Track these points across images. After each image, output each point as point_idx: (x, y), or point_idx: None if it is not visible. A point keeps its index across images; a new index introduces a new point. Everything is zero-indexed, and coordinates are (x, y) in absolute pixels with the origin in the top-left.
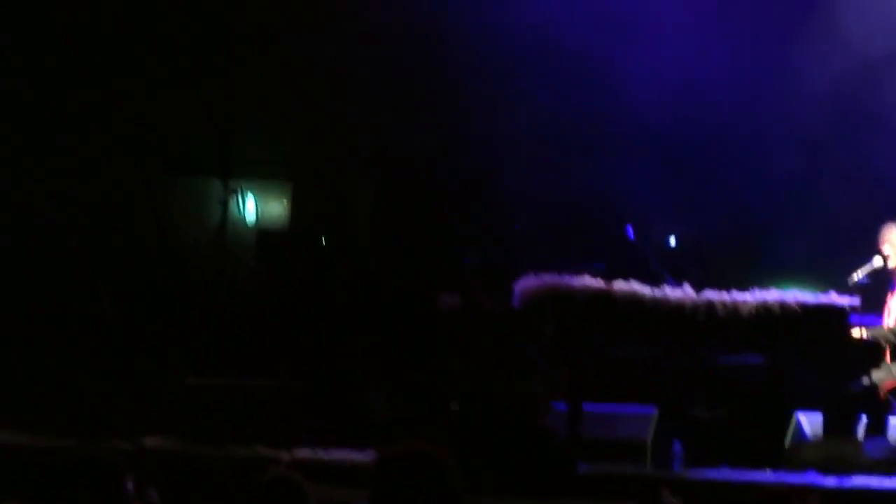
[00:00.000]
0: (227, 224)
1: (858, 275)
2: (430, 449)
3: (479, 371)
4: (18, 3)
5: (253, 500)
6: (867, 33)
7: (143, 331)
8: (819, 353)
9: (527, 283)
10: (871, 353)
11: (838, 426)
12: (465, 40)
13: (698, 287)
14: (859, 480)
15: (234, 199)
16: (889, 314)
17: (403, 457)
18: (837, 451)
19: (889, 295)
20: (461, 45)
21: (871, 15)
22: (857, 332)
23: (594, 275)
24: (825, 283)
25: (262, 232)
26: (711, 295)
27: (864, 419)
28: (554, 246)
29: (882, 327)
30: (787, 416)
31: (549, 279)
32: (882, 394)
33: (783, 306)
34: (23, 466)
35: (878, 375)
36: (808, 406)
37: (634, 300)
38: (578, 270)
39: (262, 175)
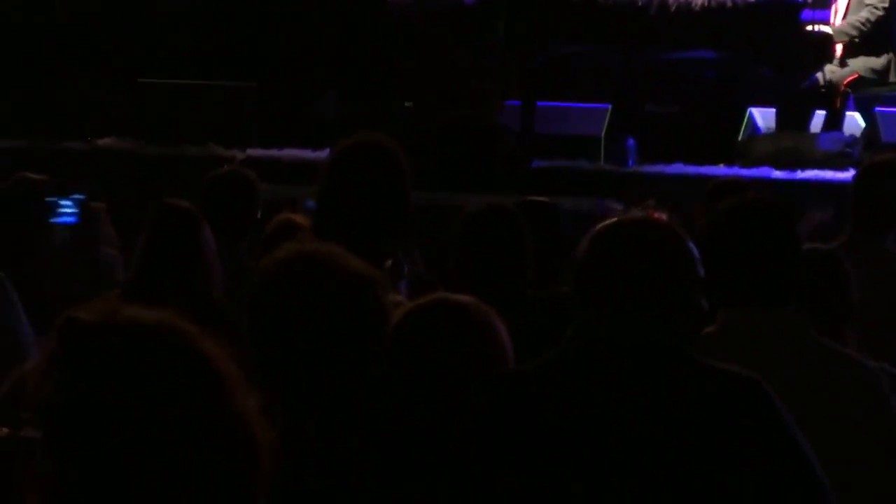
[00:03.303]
0: None
1: None
2: (380, 139)
3: (433, 69)
4: None
5: (205, 193)
6: None
7: (96, 31)
8: (772, 48)
9: None
10: (825, 48)
11: (792, 121)
12: None
13: None
14: (812, 174)
15: None
16: (836, 7)
17: (353, 147)
18: (791, 144)
19: None
20: None
21: None
22: (812, 27)
23: None
24: None
25: None
26: None
27: (817, 114)
28: None
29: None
30: (740, 111)
31: None
32: (838, 88)
33: (735, 1)
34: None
35: (832, 70)
36: (762, 102)
37: None
38: None
39: None
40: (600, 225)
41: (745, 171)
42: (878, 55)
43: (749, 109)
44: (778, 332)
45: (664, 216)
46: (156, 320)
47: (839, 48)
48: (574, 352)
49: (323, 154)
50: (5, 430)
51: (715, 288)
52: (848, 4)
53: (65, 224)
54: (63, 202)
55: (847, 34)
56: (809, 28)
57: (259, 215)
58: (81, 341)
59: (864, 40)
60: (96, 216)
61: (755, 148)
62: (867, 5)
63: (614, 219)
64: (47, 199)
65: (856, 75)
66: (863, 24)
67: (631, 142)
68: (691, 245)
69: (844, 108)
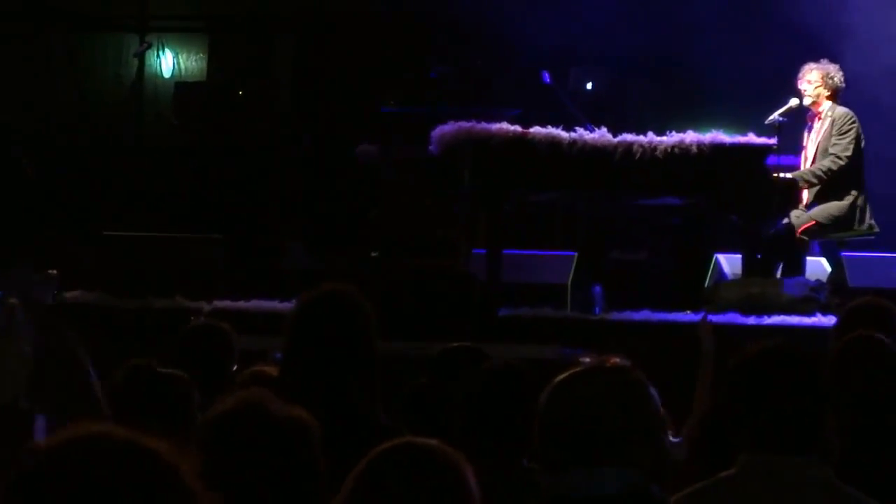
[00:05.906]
0: (143, 79)
1: (775, 115)
2: (342, 289)
3: (399, 218)
4: None
5: (179, 346)
6: None
7: (62, 187)
8: (737, 194)
9: (444, 130)
10: (791, 194)
11: (758, 267)
12: None
13: (615, 131)
14: (779, 319)
15: (151, 54)
16: (805, 155)
17: (316, 299)
18: (757, 290)
19: (805, 135)
20: None
21: None
22: (775, 174)
23: (511, 121)
24: (743, 125)
25: (180, 85)
26: (628, 137)
27: (781, 260)
28: (470, 93)
29: (801, 169)
30: (706, 258)
31: (465, 125)
32: (797, 234)
33: (700, 147)
34: None
35: (797, 216)
36: (728, 248)
37: (552, 143)
38: (495, 117)
39: (179, 28)
40: (556, 379)
41: (711, 318)
42: (842, 202)
43: (715, 255)
44: (798, 478)
45: (620, 360)
46: (117, 436)
47: (805, 195)
48: None
49: (290, 305)
50: None
51: (738, 431)
52: (816, 152)
53: None
54: None
55: (806, 181)
56: (775, 174)
57: (235, 368)
58: (36, 469)
59: (831, 188)
60: (12, 310)
61: (721, 294)
62: (830, 154)
63: (569, 371)
64: None
65: (812, 223)
66: (824, 172)
67: (597, 289)
68: (649, 386)
69: (804, 253)
